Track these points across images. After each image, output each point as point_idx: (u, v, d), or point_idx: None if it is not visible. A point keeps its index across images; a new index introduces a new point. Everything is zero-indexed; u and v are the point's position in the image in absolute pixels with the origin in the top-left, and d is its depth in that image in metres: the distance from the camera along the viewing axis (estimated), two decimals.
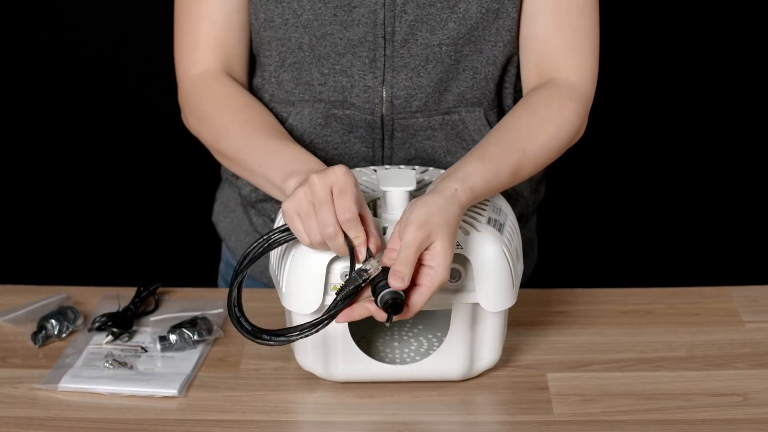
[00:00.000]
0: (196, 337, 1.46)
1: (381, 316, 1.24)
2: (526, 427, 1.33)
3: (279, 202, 1.49)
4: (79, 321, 1.51)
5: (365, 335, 1.44)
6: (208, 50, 1.52)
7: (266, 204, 1.59)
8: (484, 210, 1.38)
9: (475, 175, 1.33)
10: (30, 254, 2.89)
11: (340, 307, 1.25)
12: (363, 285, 1.25)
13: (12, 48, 2.90)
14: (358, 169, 1.47)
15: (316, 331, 1.26)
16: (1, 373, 1.42)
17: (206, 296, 1.58)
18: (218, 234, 1.72)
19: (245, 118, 1.47)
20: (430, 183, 1.43)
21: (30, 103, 2.94)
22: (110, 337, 1.47)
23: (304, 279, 1.31)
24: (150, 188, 2.94)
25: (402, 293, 1.24)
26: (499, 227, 1.35)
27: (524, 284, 1.46)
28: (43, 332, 1.48)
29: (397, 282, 1.23)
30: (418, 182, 1.43)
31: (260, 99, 1.55)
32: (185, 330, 1.46)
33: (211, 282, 1.82)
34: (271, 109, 1.53)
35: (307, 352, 1.37)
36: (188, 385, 1.39)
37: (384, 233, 1.32)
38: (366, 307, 1.25)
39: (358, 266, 1.26)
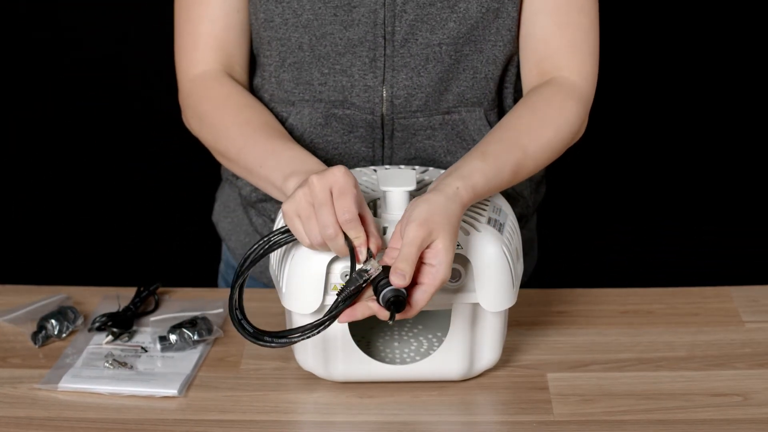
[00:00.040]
0: (196, 337, 1.46)
1: (384, 314, 1.24)
2: (526, 427, 1.33)
3: (279, 202, 1.49)
4: (79, 321, 1.51)
5: (365, 335, 1.44)
6: (208, 50, 1.51)
7: (266, 204, 1.59)
8: (484, 210, 1.38)
9: (476, 173, 1.33)
10: (30, 254, 2.89)
11: (342, 308, 1.25)
12: (364, 285, 1.25)
13: (12, 48, 2.90)
14: (358, 169, 1.47)
15: (318, 333, 1.26)
16: (1, 373, 1.42)
17: (206, 296, 1.58)
18: (218, 234, 1.72)
19: (245, 119, 1.47)
20: (430, 183, 1.43)
21: (30, 103, 2.94)
22: (110, 337, 1.47)
23: (304, 279, 1.31)
24: (150, 188, 2.94)
25: (404, 291, 1.24)
26: (499, 227, 1.35)
27: (524, 284, 1.46)
28: (43, 332, 1.48)
29: (398, 279, 1.23)
30: (418, 182, 1.43)
31: (260, 99, 1.55)
32: (185, 330, 1.46)
33: (211, 282, 1.82)
34: (271, 109, 1.53)
35: (307, 352, 1.37)
36: (188, 385, 1.39)
37: (384, 233, 1.32)
38: (368, 306, 1.25)
39: (358, 267, 1.26)
